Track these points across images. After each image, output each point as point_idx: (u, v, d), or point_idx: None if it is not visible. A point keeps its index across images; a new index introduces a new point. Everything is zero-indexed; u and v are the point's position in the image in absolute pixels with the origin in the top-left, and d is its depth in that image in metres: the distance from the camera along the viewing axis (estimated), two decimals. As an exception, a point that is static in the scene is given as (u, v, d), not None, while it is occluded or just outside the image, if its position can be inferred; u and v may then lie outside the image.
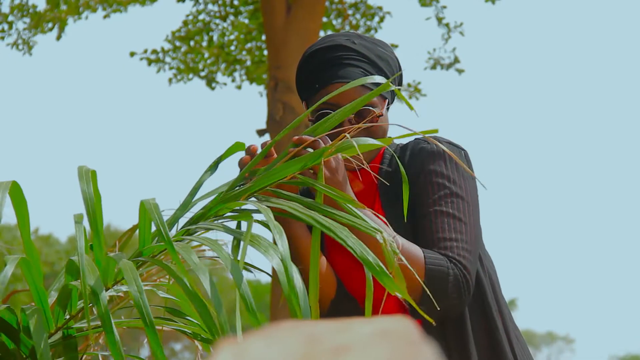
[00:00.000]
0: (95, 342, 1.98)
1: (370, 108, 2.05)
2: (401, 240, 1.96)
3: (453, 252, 2.00)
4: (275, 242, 1.63)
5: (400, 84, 2.17)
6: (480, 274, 2.11)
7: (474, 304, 2.09)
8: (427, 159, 2.06)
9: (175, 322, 1.91)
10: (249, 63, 12.03)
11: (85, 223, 1.75)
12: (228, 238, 1.74)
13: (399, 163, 1.87)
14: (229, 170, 1.96)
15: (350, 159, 1.82)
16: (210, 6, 12.01)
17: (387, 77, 2.08)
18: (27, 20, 11.67)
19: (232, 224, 1.83)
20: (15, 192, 1.72)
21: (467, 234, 2.02)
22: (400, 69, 2.17)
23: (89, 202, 1.75)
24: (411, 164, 2.07)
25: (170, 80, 12.13)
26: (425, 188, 2.05)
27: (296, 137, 1.84)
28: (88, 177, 1.77)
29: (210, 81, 12.11)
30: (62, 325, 1.82)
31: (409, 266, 1.70)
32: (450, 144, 2.08)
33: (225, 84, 12.18)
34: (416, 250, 1.98)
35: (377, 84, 2.04)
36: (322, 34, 11.54)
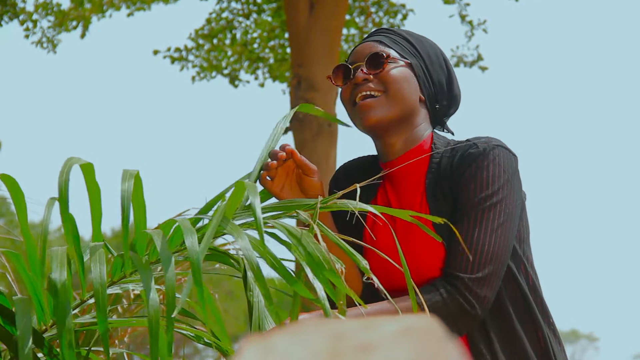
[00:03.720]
0: (121, 339, 1.97)
1: (381, 51, 2.15)
2: (378, 307, 1.99)
3: (458, 272, 2.03)
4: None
5: (442, 68, 2.23)
6: (515, 273, 2.12)
7: (515, 302, 2.13)
8: (472, 163, 2.09)
9: (189, 323, 1.88)
10: (271, 61, 12.04)
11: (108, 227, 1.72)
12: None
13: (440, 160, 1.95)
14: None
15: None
16: (233, 4, 12.04)
17: (412, 50, 2.20)
18: (52, 18, 11.74)
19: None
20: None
21: (488, 246, 2.04)
22: (438, 58, 2.23)
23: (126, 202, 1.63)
24: (458, 166, 2.11)
25: (193, 78, 12.16)
26: (462, 193, 2.08)
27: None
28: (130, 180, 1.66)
29: (233, 79, 12.13)
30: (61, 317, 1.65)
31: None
32: (501, 147, 2.10)
33: (248, 81, 12.19)
34: (402, 304, 2.00)
35: (394, 41, 2.20)
36: (344, 31, 11.54)
